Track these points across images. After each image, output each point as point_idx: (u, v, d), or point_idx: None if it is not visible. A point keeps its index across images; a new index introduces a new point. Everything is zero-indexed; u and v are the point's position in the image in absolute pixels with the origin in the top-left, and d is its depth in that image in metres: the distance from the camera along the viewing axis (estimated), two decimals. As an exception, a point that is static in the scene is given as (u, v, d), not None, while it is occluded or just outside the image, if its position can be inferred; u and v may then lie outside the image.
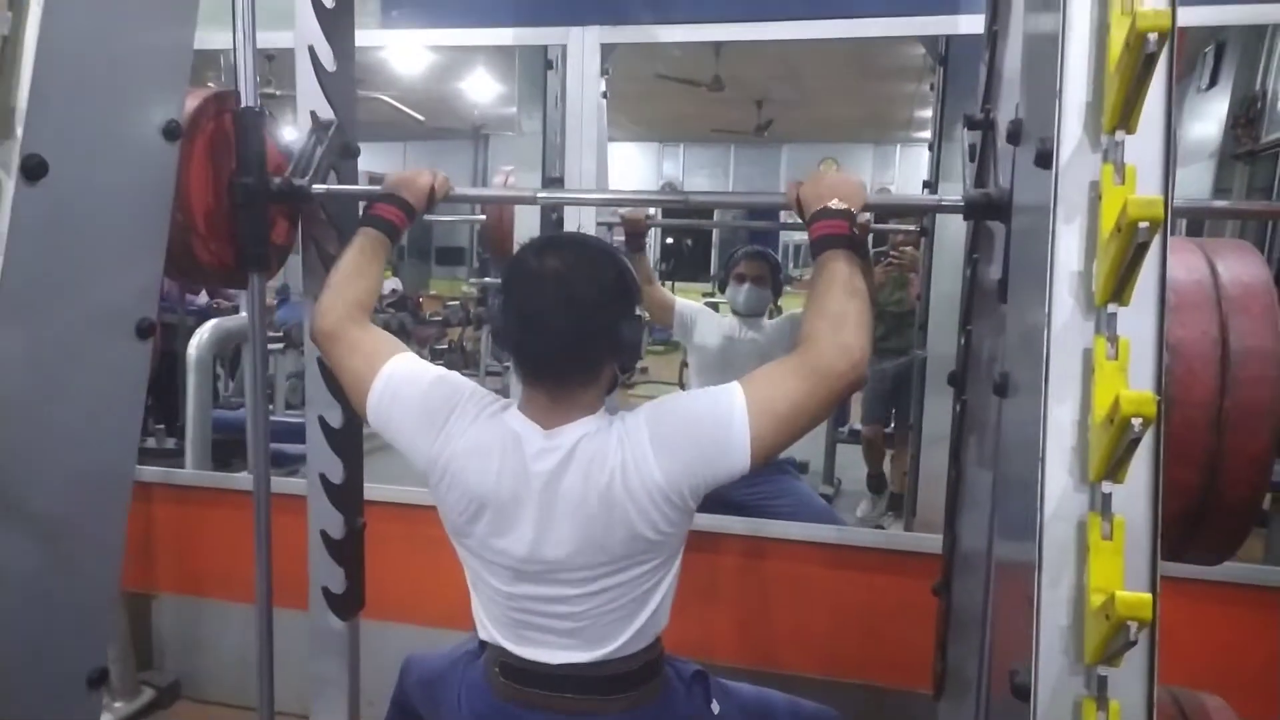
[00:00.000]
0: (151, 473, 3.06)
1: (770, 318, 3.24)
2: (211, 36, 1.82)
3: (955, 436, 1.77)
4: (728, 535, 2.56)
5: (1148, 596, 0.79)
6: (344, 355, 1.52)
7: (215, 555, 2.99)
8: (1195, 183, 7.06)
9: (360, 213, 1.78)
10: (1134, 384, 0.91)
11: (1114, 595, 0.80)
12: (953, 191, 2.00)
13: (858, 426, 5.73)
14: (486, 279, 7.45)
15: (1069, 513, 0.93)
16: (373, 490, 2.28)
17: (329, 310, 1.55)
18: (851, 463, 5.47)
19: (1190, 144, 7.44)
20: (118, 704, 2.82)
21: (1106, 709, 0.88)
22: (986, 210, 1.46)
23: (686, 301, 3.24)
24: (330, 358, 1.56)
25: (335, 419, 2.03)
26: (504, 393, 1.63)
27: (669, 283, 10.59)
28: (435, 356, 8.74)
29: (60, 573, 1.36)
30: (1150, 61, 0.86)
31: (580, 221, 2.50)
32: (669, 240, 11.94)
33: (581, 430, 1.37)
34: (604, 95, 3.58)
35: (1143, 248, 0.84)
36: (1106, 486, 0.90)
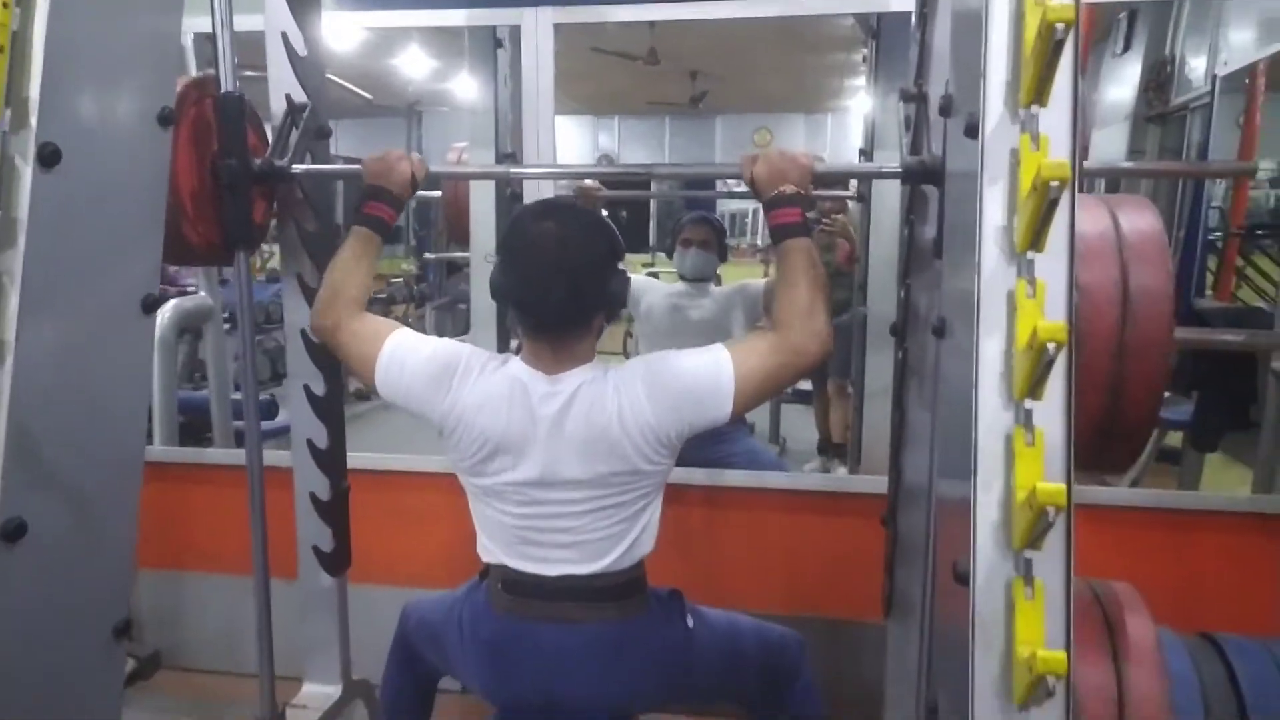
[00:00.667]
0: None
1: (717, 284, 3.39)
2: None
3: (898, 381, 1.95)
4: (690, 486, 2.72)
5: (1062, 486, 0.97)
6: (347, 343, 1.71)
7: (190, 529, 3.06)
8: (1111, 144, 7.39)
9: (342, 197, 1.90)
10: (1049, 318, 1.09)
11: (1035, 487, 0.97)
12: (890, 159, 2.18)
13: (802, 387, 5.97)
14: (428, 255, 7.53)
15: (998, 427, 1.10)
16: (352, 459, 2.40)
17: (328, 308, 1.72)
18: (795, 424, 5.70)
19: (1106, 107, 7.77)
20: (100, 676, 2.90)
21: (1032, 585, 1.05)
22: (922, 176, 1.63)
23: (637, 277, 3.38)
24: (334, 347, 1.75)
25: (319, 387, 2.14)
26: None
27: (610, 255, 10.65)
28: (381, 334, 8.75)
29: (85, 532, 1.46)
30: (1058, 47, 1.02)
31: (539, 139, 2.62)
32: (604, 213, 12.04)
33: (581, 377, 1.58)
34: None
35: (1054, 204, 1.01)
36: (1028, 404, 1.07)
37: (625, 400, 1.56)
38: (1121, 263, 1.17)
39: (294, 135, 1.99)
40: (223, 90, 1.88)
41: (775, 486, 2.77)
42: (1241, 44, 5.13)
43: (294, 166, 1.93)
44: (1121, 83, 7.39)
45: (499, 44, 3.19)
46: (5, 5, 1.34)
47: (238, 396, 4.31)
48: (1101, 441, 1.21)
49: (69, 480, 1.43)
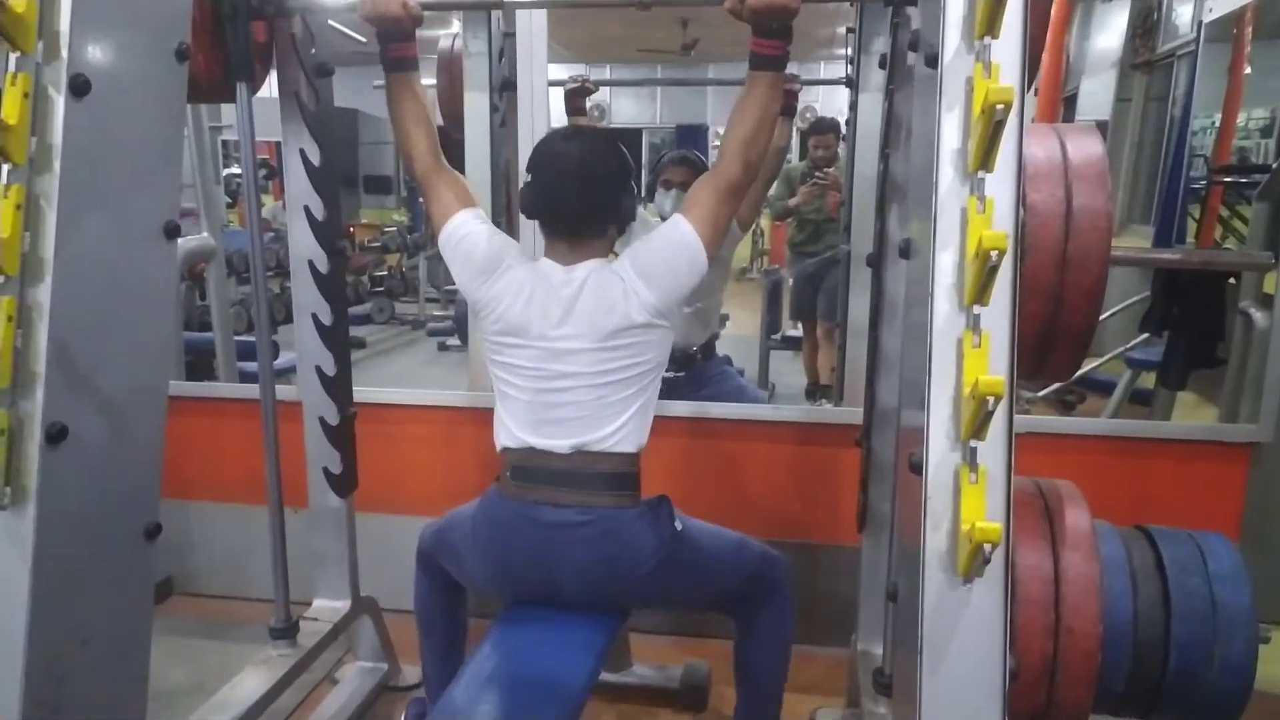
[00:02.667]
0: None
1: None
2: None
3: (874, 309, 2.07)
4: (676, 418, 2.85)
5: (1000, 378, 1.09)
6: (431, 198, 1.99)
7: (198, 461, 3.18)
8: (1100, 92, 7.44)
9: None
10: (996, 230, 1.21)
11: (978, 380, 1.10)
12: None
13: (791, 334, 6.10)
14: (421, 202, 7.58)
15: (950, 331, 1.23)
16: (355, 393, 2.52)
17: (415, 158, 2.00)
18: (784, 370, 5.84)
19: (1094, 55, 7.81)
20: (116, 598, 3.04)
21: (977, 471, 1.19)
22: None
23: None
24: (423, 194, 2.04)
25: (326, 317, 2.25)
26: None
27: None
28: (375, 283, 8.86)
29: (118, 439, 1.58)
30: (1005, -17, 1.13)
31: (533, 83, 2.69)
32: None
33: (591, 267, 1.84)
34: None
35: (999, 125, 1.12)
36: (976, 309, 1.20)
37: (626, 281, 1.82)
38: (1066, 183, 1.29)
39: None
40: None
41: (758, 418, 2.91)
42: (1226, -11, 5.18)
43: (291, 1, 2.02)
44: (1108, 30, 7.44)
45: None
46: (36, -56, 1.43)
47: (239, 338, 4.46)
48: (1045, 348, 1.34)
49: (104, 390, 1.54)
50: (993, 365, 1.20)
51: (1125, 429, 2.83)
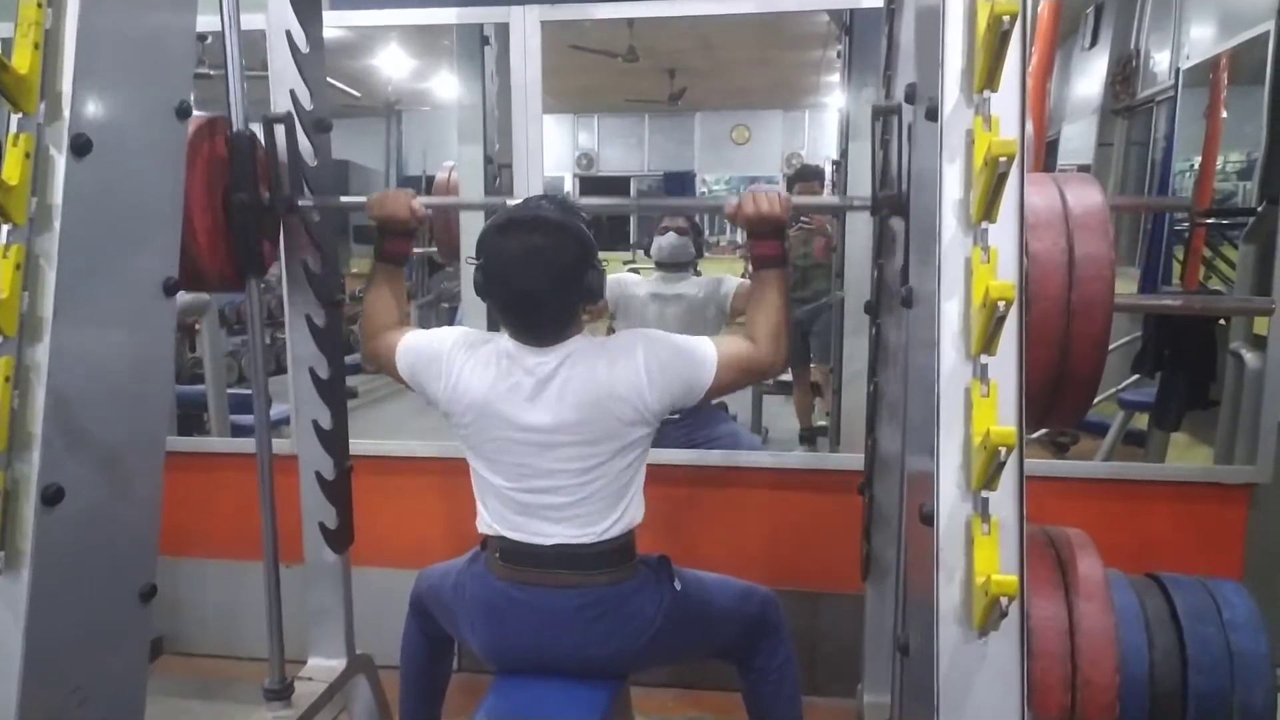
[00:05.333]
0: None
1: (696, 273, 3.49)
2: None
3: (872, 356, 2.08)
4: (674, 466, 2.83)
5: (1012, 429, 1.09)
6: (383, 362, 1.95)
7: (189, 516, 3.13)
8: (1080, 136, 7.55)
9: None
10: (1001, 280, 1.21)
11: (989, 431, 1.10)
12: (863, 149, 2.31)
13: (784, 378, 6.10)
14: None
15: (958, 380, 1.23)
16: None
17: (374, 336, 1.97)
18: (777, 415, 5.83)
19: (1075, 101, 7.95)
20: (106, 659, 2.98)
21: (989, 521, 1.18)
22: (890, 206, 1.80)
23: (611, 275, 3.45)
24: (377, 365, 2.00)
25: (323, 371, 2.24)
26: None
27: (592, 252, 10.75)
28: (364, 332, 8.81)
29: (115, 500, 1.56)
30: (1005, 37, 1.15)
31: (528, 133, 2.74)
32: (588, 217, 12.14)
33: (573, 345, 1.75)
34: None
35: (1003, 177, 1.13)
36: (984, 358, 1.20)
37: (620, 361, 1.73)
38: (1068, 232, 1.30)
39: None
40: (234, 130, 1.99)
41: (756, 465, 2.90)
42: (1202, 38, 5.30)
43: (299, 201, 2.06)
44: (1089, 76, 7.58)
45: (486, 41, 3.28)
46: (40, 5, 1.44)
47: (230, 391, 4.43)
48: (1052, 395, 1.34)
49: (101, 450, 1.53)
50: (1002, 414, 1.20)
51: (1123, 471, 2.83)
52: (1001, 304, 1.10)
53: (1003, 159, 1.11)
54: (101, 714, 1.54)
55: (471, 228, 3.27)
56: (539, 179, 2.77)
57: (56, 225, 1.43)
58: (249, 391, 2.20)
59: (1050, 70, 5.88)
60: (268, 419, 2.15)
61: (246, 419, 3.57)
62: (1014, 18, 1.12)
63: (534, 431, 1.74)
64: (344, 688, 2.47)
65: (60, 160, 1.45)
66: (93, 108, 1.49)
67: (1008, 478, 1.19)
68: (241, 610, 3.09)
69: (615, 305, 3.43)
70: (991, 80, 1.21)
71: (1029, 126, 1.41)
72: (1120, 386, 4.62)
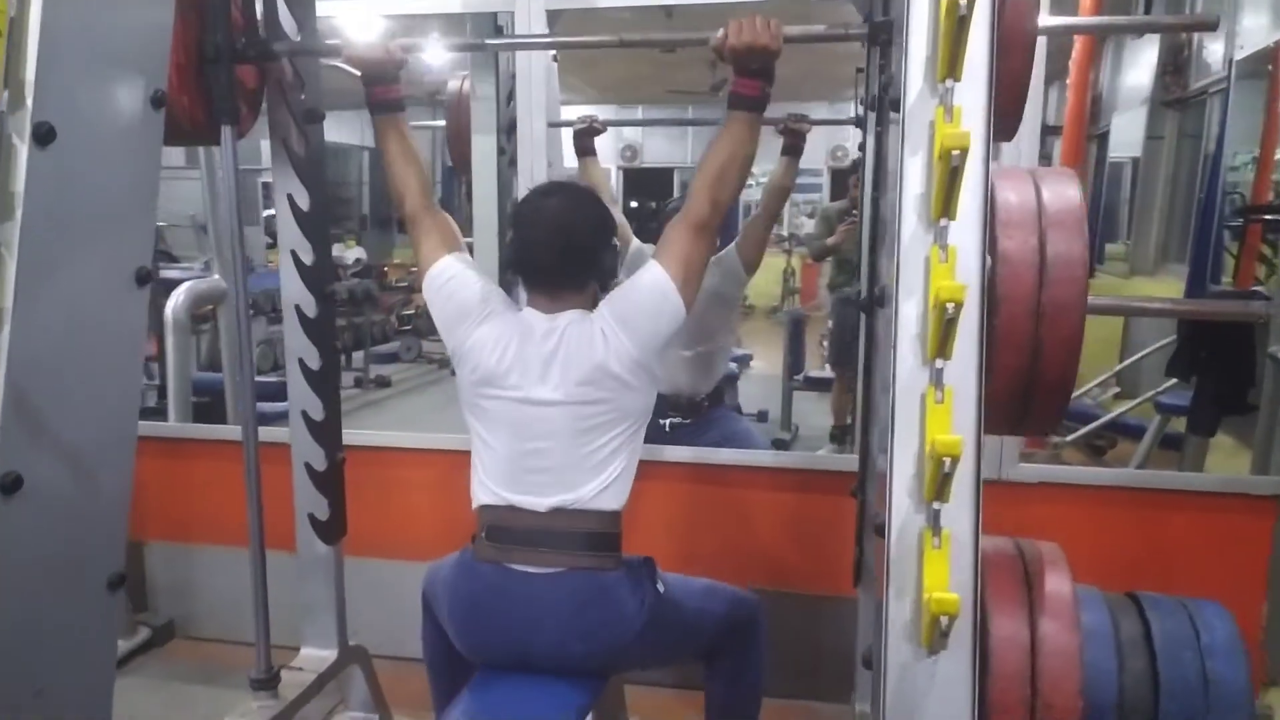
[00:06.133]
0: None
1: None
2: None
3: (865, 356, 2.01)
4: (676, 464, 2.79)
5: (957, 438, 1.03)
6: (419, 237, 1.96)
7: (201, 503, 3.18)
8: (1128, 128, 7.31)
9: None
10: (960, 281, 1.15)
11: (934, 439, 1.04)
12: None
13: (813, 374, 6.00)
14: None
15: (914, 385, 1.17)
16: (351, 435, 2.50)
17: (405, 197, 1.97)
18: (810, 411, 5.75)
19: (1124, 91, 7.69)
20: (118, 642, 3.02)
21: (940, 535, 1.12)
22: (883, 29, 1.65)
23: (641, 245, 3.41)
24: (410, 234, 1.99)
25: (314, 361, 2.23)
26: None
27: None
28: (402, 322, 8.92)
29: (79, 489, 1.56)
30: (964, 23, 1.08)
31: (533, 126, 2.71)
32: (634, 204, 12.15)
33: (572, 316, 1.81)
34: (554, 59, 3.76)
35: (955, 171, 1.07)
36: (939, 363, 1.14)
37: (607, 332, 1.78)
38: (1040, 230, 1.22)
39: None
40: None
41: (760, 464, 2.84)
42: (1256, 27, 5.09)
43: (275, 45, 2.02)
44: (1138, 66, 7.33)
45: (499, 30, 3.25)
46: (3, -6, 1.43)
47: (262, 379, 4.48)
48: (1024, 402, 1.26)
49: (64, 439, 1.52)
50: (958, 422, 1.14)
51: (1144, 479, 2.73)
52: (951, 306, 1.04)
53: (955, 152, 1.04)
54: (64, 703, 1.54)
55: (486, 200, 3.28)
56: (543, 169, 2.73)
57: (18, 214, 1.42)
58: (275, 379, 2.20)
59: (1093, 60, 5.71)
60: (254, 403, 2.14)
61: (278, 407, 3.63)
62: (971, 2, 1.06)
63: (538, 404, 1.79)
64: (339, 678, 2.48)
65: (22, 149, 1.43)
66: (59, 96, 1.47)
67: (962, 489, 1.13)
68: (250, 597, 3.10)
69: (626, 265, 3.36)
70: (953, 68, 1.14)
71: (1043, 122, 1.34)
72: (1159, 390, 4.47)
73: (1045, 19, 1.66)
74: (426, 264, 1.93)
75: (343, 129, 10.97)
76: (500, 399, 1.82)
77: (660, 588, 1.86)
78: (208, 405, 3.90)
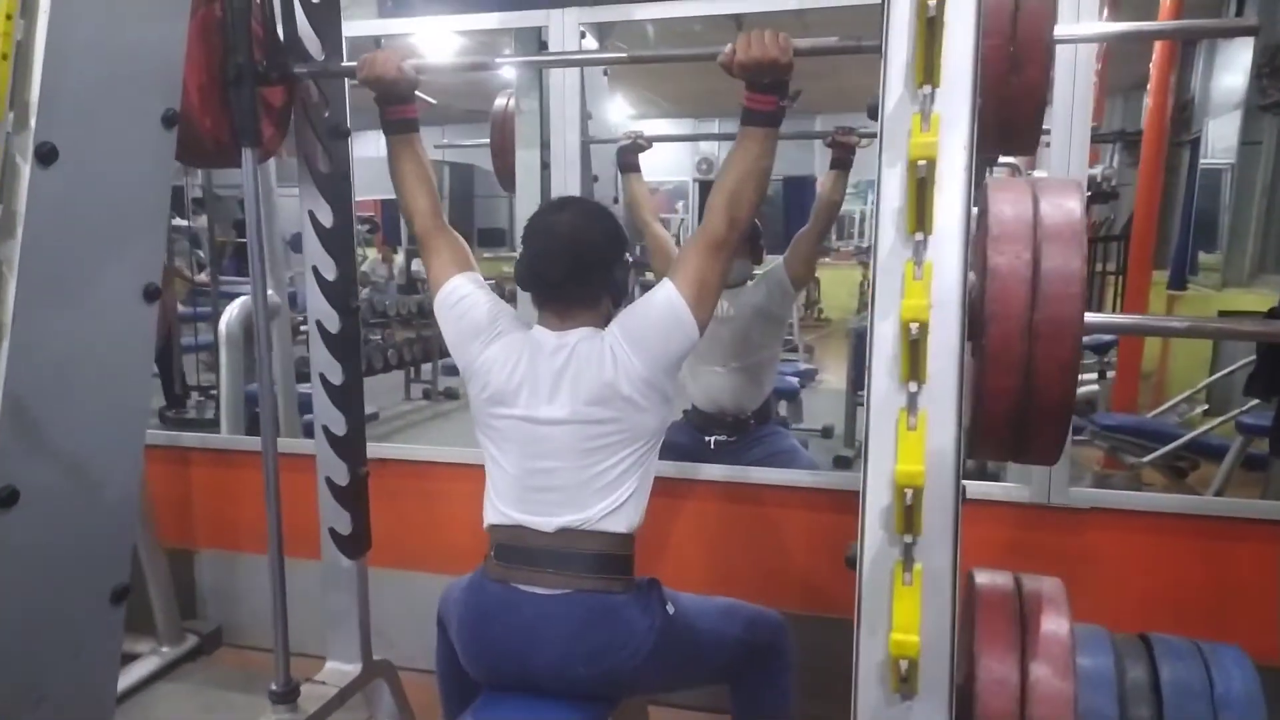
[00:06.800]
0: (190, 438, 3.34)
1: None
2: None
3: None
4: (708, 482, 2.73)
5: (918, 468, 0.96)
6: (429, 256, 1.97)
7: (250, 512, 3.23)
8: (1222, 136, 6.95)
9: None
10: (940, 298, 1.08)
11: (895, 469, 0.97)
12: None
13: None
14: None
15: (889, 410, 1.10)
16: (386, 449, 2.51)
17: (413, 218, 2.00)
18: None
19: (1217, 95, 7.33)
20: (164, 649, 3.09)
21: (911, 570, 1.04)
22: None
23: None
24: (421, 254, 2.02)
25: (336, 377, 2.24)
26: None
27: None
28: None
29: (82, 503, 1.58)
30: (933, 25, 1.01)
31: (566, 140, 2.69)
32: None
33: (582, 333, 1.80)
34: (605, 74, 3.75)
35: (923, 182, 1.00)
36: (912, 386, 1.06)
37: (617, 351, 1.75)
38: (1035, 244, 1.13)
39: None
40: None
41: (800, 484, 2.75)
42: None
43: (296, 67, 2.04)
44: (1231, 69, 6.97)
45: (543, 46, 3.25)
46: (9, 16, 1.47)
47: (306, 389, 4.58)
48: (1019, 428, 1.18)
49: (67, 453, 1.55)
50: (935, 449, 1.06)
51: (1205, 505, 2.56)
52: (915, 326, 0.97)
53: (922, 162, 0.97)
54: (64, 713, 1.56)
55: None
56: (576, 183, 2.71)
57: (19, 233, 1.45)
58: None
59: (1174, 64, 5.43)
60: (274, 412, 2.16)
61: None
62: (941, 2, 0.99)
63: (546, 423, 1.77)
64: (365, 691, 2.48)
65: (25, 169, 1.47)
66: (63, 117, 1.50)
67: (937, 521, 1.06)
68: (297, 606, 3.15)
69: None
70: (930, 74, 1.07)
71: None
72: (1242, 409, 4.22)
73: (1071, 28, 1.57)
74: (437, 283, 1.93)
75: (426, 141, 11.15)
76: (509, 418, 1.80)
77: (670, 609, 1.82)
78: (254, 417, 4.00)
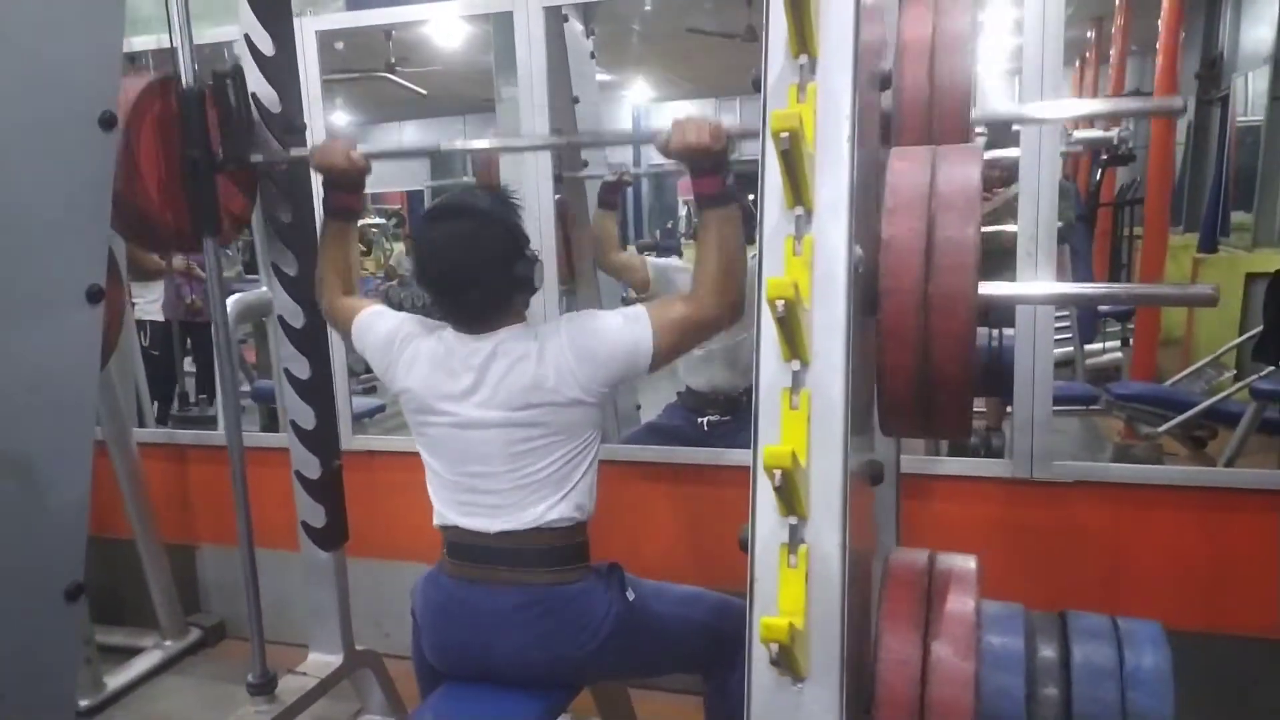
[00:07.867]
0: (187, 436, 3.39)
1: None
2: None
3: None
4: (689, 466, 2.71)
5: (785, 449, 0.93)
6: (335, 318, 2.01)
7: (251, 507, 3.27)
8: (1260, 91, 6.71)
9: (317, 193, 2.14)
10: (824, 274, 1.05)
11: (764, 449, 0.95)
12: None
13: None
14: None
15: (775, 388, 1.07)
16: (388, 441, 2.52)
17: (321, 294, 2.02)
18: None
19: (1246, 48, 7.09)
20: (168, 642, 3.16)
21: (797, 552, 1.02)
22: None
23: (654, 260, 3.35)
24: (331, 323, 2.06)
25: (302, 371, 2.26)
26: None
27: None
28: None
29: (29, 504, 1.62)
30: (796, -11, 0.98)
31: (539, 184, 2.67)
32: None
33: (505, 334, 1.73)
34: (591, 55, 3.72)
35: (788, 155, 0.97)
36: (795, 365, 1.04)
37: (548, 346, 1.71)
38: (929, 215, 1.10)
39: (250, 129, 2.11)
40: (184, 85, 2.01)
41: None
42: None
43: (253, 157, 2.04)
44: (1258, 21, 6.74)
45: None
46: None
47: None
48: (926, 403, 1.15)
49: (10, 455, 1.58)
50: (820, 429, 1.04)
51: (1197, 476, 2.48)
52: (781, 304, 0.95)
53: (783, 135, 0.95)
54: (20, 712, 1.59)
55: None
56: (547, 170, 2.70)
57: (-50, 238, 1.48)
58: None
59: (1183, 21, 5.25)
60: (237, 407, 2.19)
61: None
62: (804, -34, 0.96)
63: (472, 426, 1.74)
64: (355, 681, 2.51)
65: (-47, 173, 1.49)
66: (-7, 123, 1.53)
67: (825, 501, 1.03)
68: (293, 599, 3.19)
69: (656, 285, 3.30)
70: (805, 43, 1.04)
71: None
72: (1259, 375, 4.10)
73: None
74: (346, 326, 1.95)
75: (430, 132, 11.14)
76: (438, 425, 1.78)
77: (630, 595, 1.80)
78: (273, 412, 4.04)
